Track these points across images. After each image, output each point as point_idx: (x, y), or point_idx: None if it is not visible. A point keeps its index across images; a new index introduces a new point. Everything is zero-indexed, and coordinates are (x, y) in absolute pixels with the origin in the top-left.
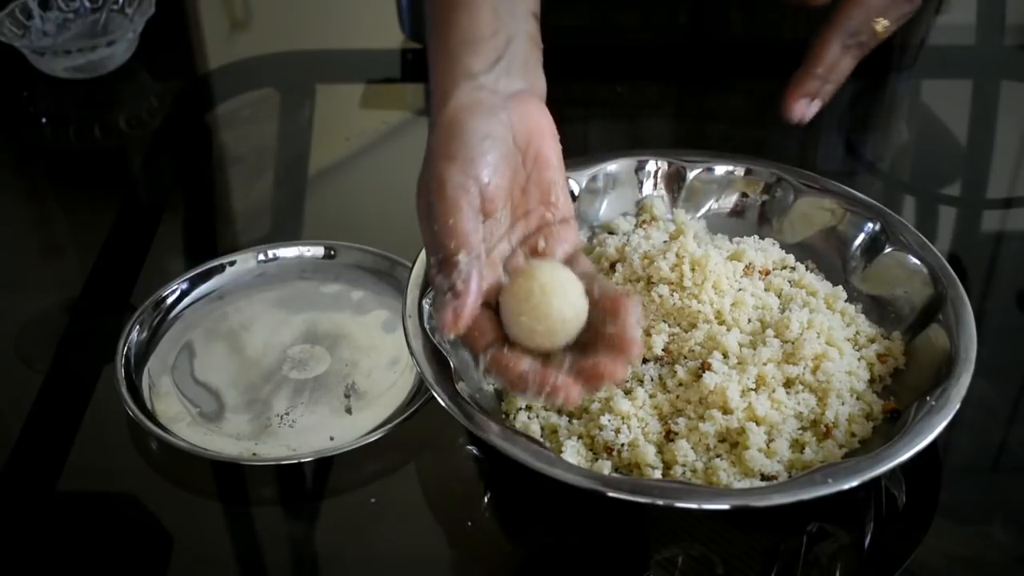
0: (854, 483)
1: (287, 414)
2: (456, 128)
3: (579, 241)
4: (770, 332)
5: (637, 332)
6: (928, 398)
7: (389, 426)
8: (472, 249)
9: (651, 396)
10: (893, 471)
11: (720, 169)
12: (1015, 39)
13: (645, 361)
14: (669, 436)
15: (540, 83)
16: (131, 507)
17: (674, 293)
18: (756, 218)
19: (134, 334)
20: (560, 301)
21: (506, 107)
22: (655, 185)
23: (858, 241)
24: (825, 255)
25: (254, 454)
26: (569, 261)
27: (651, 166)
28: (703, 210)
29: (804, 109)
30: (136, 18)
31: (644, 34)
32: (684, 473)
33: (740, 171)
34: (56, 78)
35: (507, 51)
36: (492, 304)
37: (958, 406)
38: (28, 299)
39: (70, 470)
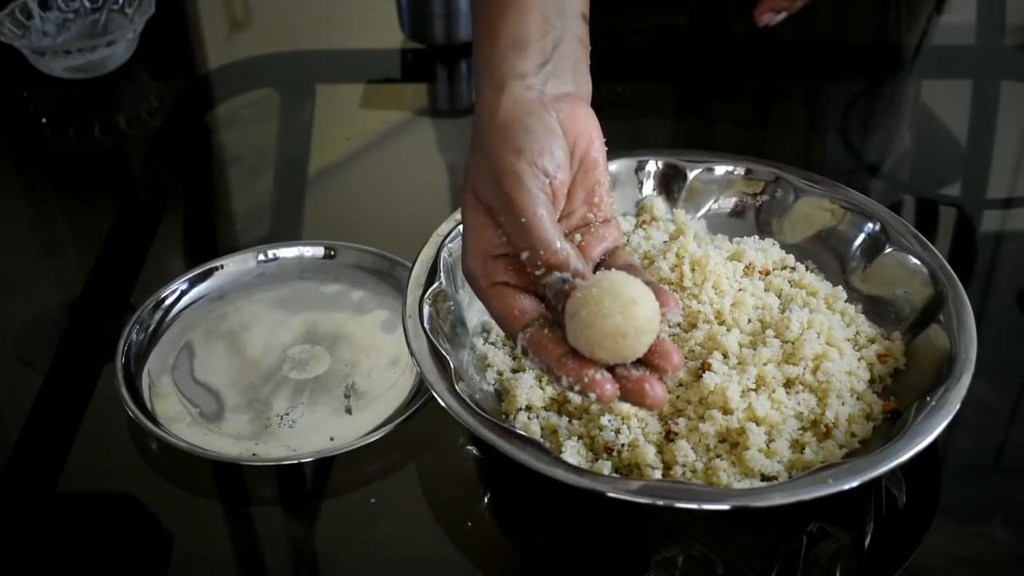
0: (854, 483)
1: (287, 414)
2: (517, 124)
3: (619, 237)
4: (770, 332)
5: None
6: (928, 398)
7: (389, 426)
8: (562, 236)
9: None
10: (893, 471)
11: (720, 169)
12: (1015, 39)
13: None
14: (669, 436)
15: (586, 86)
16: (131, 507)
17: (674, 293)
18: (756, 218)
19: (134, 334)
20: (636, 331)
21: (553, 107)
22: (655, 185)
23: (858, 241)
24: (825, 255)
25: (254, 454)
26: (610, 255)
27: (651, 166)
28: (703, 210)
29: (771, 18)
30: (136, 18)
31: (644, 34)
32: (684, 473)
33: (740, 171)
34: (56, 78)
35: (554, 54)
36: (533, 289)
37: (958, 406)
38: (28, 299)
39: (70, 470)
